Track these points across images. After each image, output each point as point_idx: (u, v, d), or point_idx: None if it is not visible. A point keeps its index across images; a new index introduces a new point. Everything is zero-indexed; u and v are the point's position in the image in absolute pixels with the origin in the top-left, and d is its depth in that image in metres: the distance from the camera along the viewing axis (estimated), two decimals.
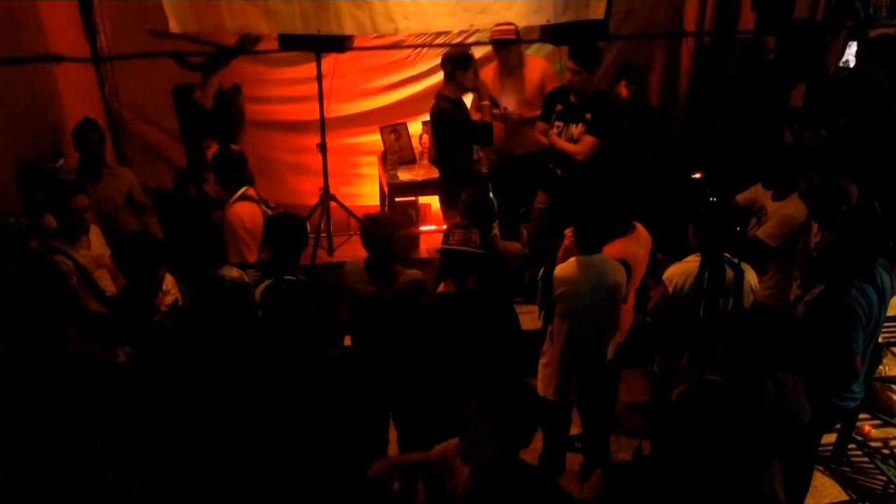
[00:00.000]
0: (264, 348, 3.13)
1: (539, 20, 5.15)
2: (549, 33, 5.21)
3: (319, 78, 5.29)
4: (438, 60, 5.55)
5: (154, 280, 3.30)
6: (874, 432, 4.47)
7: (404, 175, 5.58)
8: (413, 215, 5.84)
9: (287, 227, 3.47)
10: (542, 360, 3.60)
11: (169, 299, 3.39)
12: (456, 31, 5.61)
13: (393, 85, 5.87)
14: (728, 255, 3.45)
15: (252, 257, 3.98)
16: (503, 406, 2.50)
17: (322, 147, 5.46)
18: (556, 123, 4.69)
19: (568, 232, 3.47)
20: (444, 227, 4.46)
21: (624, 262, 3.51)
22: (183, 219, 4.72)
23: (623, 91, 5.14)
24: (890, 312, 3.59)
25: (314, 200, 5.68)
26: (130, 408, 2.95)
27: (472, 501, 2.44)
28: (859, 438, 4.37)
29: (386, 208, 5.68)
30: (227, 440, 3.10)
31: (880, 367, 4.57)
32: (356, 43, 5.35)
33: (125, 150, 5.43)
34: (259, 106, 5.68)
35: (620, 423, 4.19)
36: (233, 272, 3.20)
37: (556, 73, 5.20)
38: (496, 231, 4.03)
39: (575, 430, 3.82)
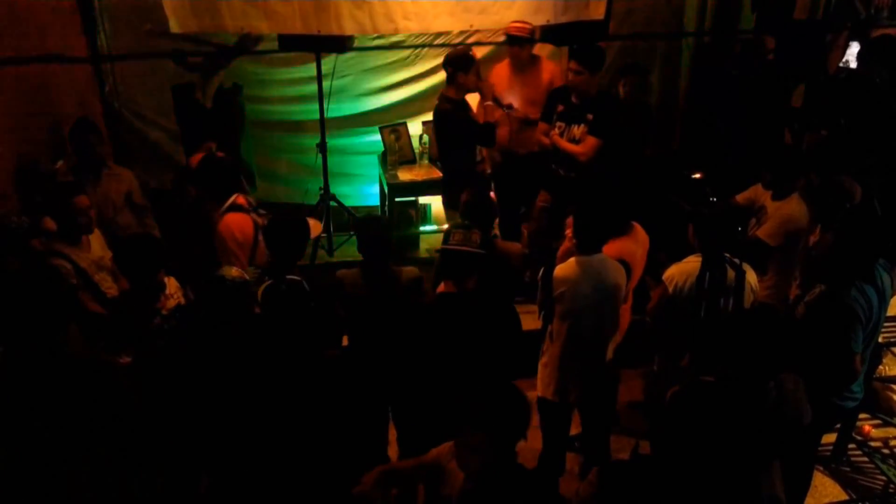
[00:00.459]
0: (265, 348, 3.13)
1: (539, 20, 5.16)
2: (550, 34, 5.21)
3: (319, 78, 5.30)
4: (438, 60, 5.58)
5: (155, 283, 3.29)
6: (874, 432, 4.47)
7: (404, 175, 5.58)
8: (413, 215, 5.85)
9: (288, 231, 3.45)
10: (542, 360, 3.60)
11: (171, 303, 3.38)
12: (456, 31, 5.61)
13: (393, 85, 5.88)
14: (728, 255, 3.45)
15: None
16: (492, 414, 2.51)
17: (322, 147, 5.46)
18: (558, 124, 4.69)
19: (568, 232, 3.47)
20: (445, 227, 4.46)
21: (623, 262, 3.51)
22: (182, 219, 4.71)
23: (622, 89, 5.14)
24: (890, 312, 3.60)
25: (314, 201, 5.69)
26: (130, 409, 2.95)
27: None
28: (859, 438, 4.37)
29: (386, 208, 5.69)
30: (227, 440, 3.10)
31: (880, 367, 4.58)
32: (356, 43, 5.36)
33: (125, 151, 5.43)
34: (259, 106, 5.69)
35: (620, 423, 4.19)
36: (233, 271, 3.19)
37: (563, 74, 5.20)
38: (496, 231, 4.03)
39: (575, 430, 3.82)
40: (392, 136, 5.71)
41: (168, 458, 3.13)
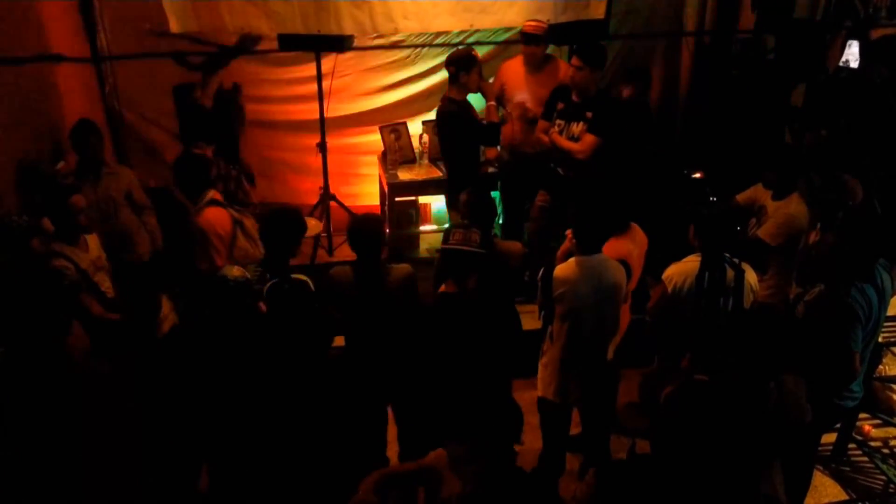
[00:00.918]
0: (268, 347, 3.13)
1: (540, 20, 5.15)
2: (550, 33, 5.21)
3: (319, 78, 5.30)
4: (438, 60, 5.58)
5: (153, 309, 3.33)
6: (874, 432, 4.47)
7: (404, 175, 5.58)
8: (413, 215, 5.85)
9: (282, 225, 3.47)
10: (542, 361, 3.60)
11: (166, 326, 3.40)
12: (456, 30, 5.61)
13: (393, 85, 5.87)
14: (728, 255, 3.45)
15: (221, 262, 3.90)
16: (475, 427, 2.51)
17: (322, 147, 5.46)
18: (558, 122, 4.68)
19: (568, 232, 3.47)
20: (445, 226, 4.46)
21: (623, 262, 3.51)
22: (182, 218, 4.71)
23: (625, 92, 5.14)
24: (890, 312, 3.60)
25: (314, 200, 5.69)
26: (124, 409, 2.95)
27: None
28: (859, 438, 4.37)
29: (386, 208, 5.69)
30: (228, 439, 3.10)
31: (880, 366, 4.58)
32: (356, 43, 5.35)
33: (125, 150, 5.43)
34: (259, 106, 5.68)
35: (620, 423, 4.19)
36: (234, 271, 3.19)
37: None
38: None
39: (575, 430, 3.82)
40: (392, 136, 5.71)
41: (169, 456, 3.13)
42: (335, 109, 5.66)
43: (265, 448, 3.14)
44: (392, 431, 3.86)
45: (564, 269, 3.38)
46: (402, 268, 3.54)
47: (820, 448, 3.91)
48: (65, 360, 2.69)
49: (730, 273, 3.42)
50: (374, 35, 5.48)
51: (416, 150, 5.75)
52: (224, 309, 3.11)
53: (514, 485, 2.52)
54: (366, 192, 6.19)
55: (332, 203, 5.70)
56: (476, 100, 4.91)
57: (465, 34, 5.66)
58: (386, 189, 5.62)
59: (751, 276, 3.51)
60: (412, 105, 5.91)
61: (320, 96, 5.33)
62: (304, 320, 3.28)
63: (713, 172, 5.27)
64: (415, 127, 5.82)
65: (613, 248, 3.60)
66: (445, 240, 3.42)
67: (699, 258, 3.45)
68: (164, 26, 4.94)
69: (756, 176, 4.29)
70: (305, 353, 3.29)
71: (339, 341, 3.63)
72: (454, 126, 4.69)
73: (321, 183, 5.60)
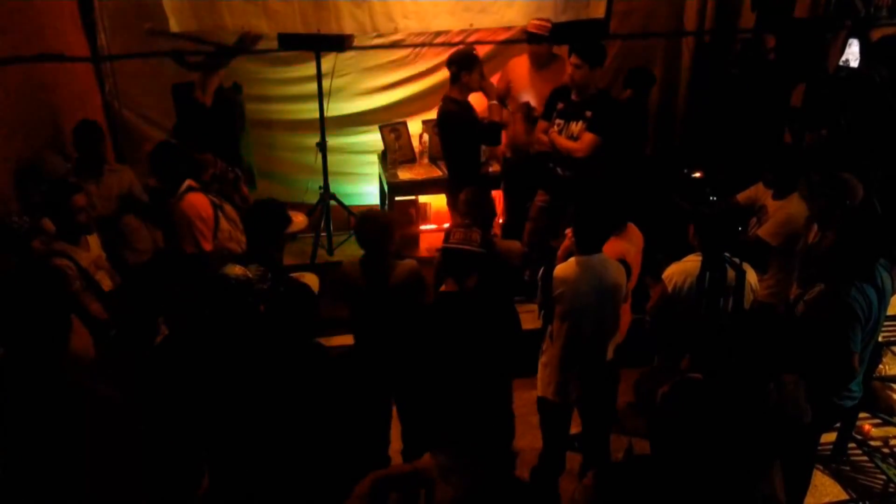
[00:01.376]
0: (269, 347, 3.13)
1: (544, 19, 5.15)
2: (550, 32, 5.20)
3: (319, 77, 5.30)
4: (438, 59, 5.58)
5: (153, 325, 3.35)
6: (874, 431, 4.47)
7: (404, 174, 5.58)
8: (413, 214, 5.85)
9: (263, 217, 3.55)
10: (542, 360, 3.60)
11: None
12: (456, 30, 5.61)
13: (393, 84, 5.87)
14: (728, 255, 3.45)
15: (208, 246, 3.98)
16: (468, 434, 2.50)
17: (322, 146, 5.46)
18: (557, 121, 4.68)
19: (568, 231, 3.47)
20: (446, 226, 4.46)
21: (623, 262, 3.51)
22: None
23: (626, 92, 5.14)
24: (890, 312, 3.60)
25: (314, 200, 5.69)
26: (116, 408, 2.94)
27: None
28: (859, 437, 4.37)
29: (386, 207, 5.69)
30: (228, 438, 3.10)
31: (880, 366, 4.58)
32: (356, 42, 5.35)
33: (125, 150, 5.43)
34: (259, 105, 5.69)
35: (620, 422, 4.19)
36: (235, 269, 3.19)
37: None
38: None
39: (575, 430, 3.82)
40: (392, 135, 5.71)
41: (168, 456, 3.12)
42: (335, 109, 5.66)
43: (265, 448, 3.13)
44: (395, 431, 3.86)
45: (564, 268, 3.38)
46: (407, 263, 3.56)
47: (820, 448, 3.91)
48: (67, 364, 2.69)
49: (730, 273, 3.43)
50: (374, 34, 5.48)
51: (416, 150, 5.75)
52: (224, 308, 3.10)
53: (508, 490, 2.50)
54: (366, 191, 6.19)
55: (332, 203, 5.70)
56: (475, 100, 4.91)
57: (465, 33, 5.65)
58: (386, 188, 5.62)
59: (751, 276, 3.52)
60: (412, 104, 5.91)
61: (320, 96, 5.33)
62: (305, 322, 3.28)
63: (713, 172, 5.26)
64: (415, 126, 5.82)
65: (611, 247, 3.60)
66: (446, 239, 3.43)
67: (699, 258, 3.45)
68: (164, 26, 4.93)
69: (756, 175, 4.29)
70: (304, 353, 3.28)
71: (346, 340, 3.65)
72: (455, 126, 4.69)
73: (321, 182, 5.60)
